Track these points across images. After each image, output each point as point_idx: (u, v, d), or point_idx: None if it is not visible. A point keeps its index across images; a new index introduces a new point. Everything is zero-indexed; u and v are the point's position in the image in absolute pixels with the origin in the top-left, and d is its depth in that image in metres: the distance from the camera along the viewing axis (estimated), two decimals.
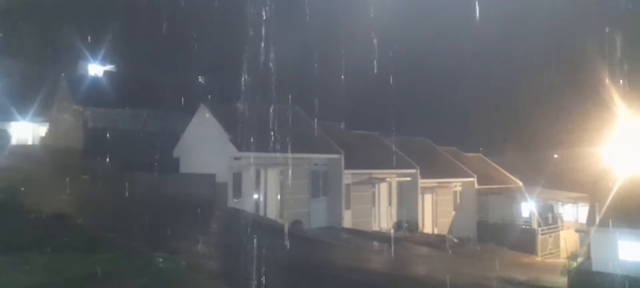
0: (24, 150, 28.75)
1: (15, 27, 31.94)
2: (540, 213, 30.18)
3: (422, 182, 28.83)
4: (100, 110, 28.75)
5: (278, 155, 22.38)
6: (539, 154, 39.48)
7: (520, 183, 33.80)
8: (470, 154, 37.18)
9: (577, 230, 29.22)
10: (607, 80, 21.65)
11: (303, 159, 23.84)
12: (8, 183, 17.42)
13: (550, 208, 31.82)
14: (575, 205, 31.38)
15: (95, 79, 33.71)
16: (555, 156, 38.98)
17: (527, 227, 29.63)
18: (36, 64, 33.24)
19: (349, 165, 25.24)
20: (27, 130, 34.10)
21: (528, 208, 30.65)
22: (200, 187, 21.67)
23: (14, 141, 31.47)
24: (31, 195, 16.19)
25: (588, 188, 26.80)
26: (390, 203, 27.84)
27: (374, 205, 26.99)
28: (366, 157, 27.24)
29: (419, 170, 28.51)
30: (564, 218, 31.45)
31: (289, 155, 22.90)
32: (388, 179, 27.29)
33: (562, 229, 29.94)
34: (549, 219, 30.73)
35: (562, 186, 32.29)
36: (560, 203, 32.12)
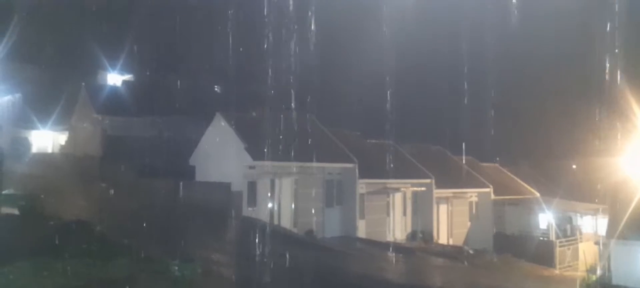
0: (44, 158, 29.34)
1: (36, 37, 32.73)
2: (558, 225, 29.66)
3: (437, 192, 28.60)
4: (119, 118, 29.25)
5: (292, 164, 22.47)
6: (556, 164, 38.90)
7: (538, 194, 33.27)
8: (487, 164, 36.76)
9: (596, 243, 28.61)
10: (627, 89, 21.30)
11: (317, 168, 23.87)
12: (29, 191, 17.81)
13: (569, 220, 31.26)
14: (595, 216, 30.77)
15: (114, 88, 34.33)
16: (574, 166, 38.35)
17: (545, 238, 29.13)
18: (57, 73, 33.97)
19: (363, 175, 25.19)
20: (47, 139, 34.78)
21: (546, 219, 30.15)
22: (216, 195, 21.84)
23: (34, 149, 32.17)
24: (51, 202, 16.51)
25: (607, 199, 26.30)
26: (404, 213, 27.67)
27: (388, 215, 26.85)
28: (381, 166, 27.14)
29: (434, 180, 28.29)
30: (583, 230, 30.84)
31: (303, 164, 22.97)
32: (403, 189, 27.15)
33: (581, 241, 29.35)
34: (568, 231, 30.18)
35: (581, 197, 31.71)
36: (578, 214, 31.54)
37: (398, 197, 27.26)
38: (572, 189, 32.33)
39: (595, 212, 30.45)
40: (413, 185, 27.50)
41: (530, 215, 31.03)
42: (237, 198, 22.01)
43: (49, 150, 34.15)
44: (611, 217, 19.11)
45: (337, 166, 24.99)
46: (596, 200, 29.73)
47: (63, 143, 33.95)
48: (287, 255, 15.54)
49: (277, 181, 22.80)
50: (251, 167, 22.15)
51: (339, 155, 25.45)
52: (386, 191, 26.55)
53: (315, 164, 23.49)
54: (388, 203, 26.83)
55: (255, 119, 25.19)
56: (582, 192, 31.65)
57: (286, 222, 22.93)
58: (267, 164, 21.91)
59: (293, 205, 23.40)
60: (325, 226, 24.16)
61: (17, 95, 32.48)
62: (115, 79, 37.13)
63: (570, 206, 31.09)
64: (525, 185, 35.02)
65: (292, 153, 21.59)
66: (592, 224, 31.17)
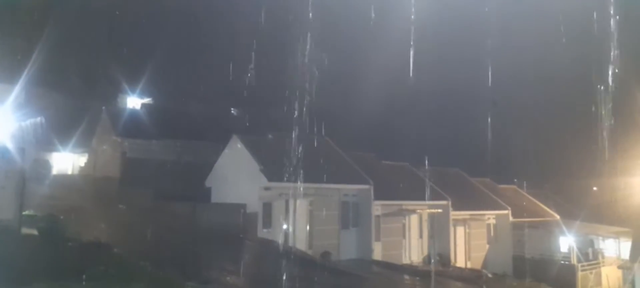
0: (64, 180, 29.89)
1: (58, 62, 33.66)
2: (579, 249, 28.98)
3: (454, 214, 28.26)
4: (138, 141, 29.71)
5: (308, 185, 22.48)
6: (576, 185, 38.14)
7: (558, 217, 32.63)
8: (504, 186, 36.28)
9: (619, 267, 27.85)
10: None
11: (332, 190, 23.84)
12: (48, 212, 18.12)
13: (591, 243, 30.52)
14: (617, 239, 30.00)
15: (134, 111, 34.97)
16: (595, 188, 37.56)
17: (566, 262, 28.44)
18: (78, 97, 34.82)
19: (378, 196, 25.06)
20: (67, 161, 35.47)
21: (567, 242, 29.49)
22: (231, 216, 21.93)
23: (55, 171, 32.81)
24: (70, 224, 16.75)
25: (630, 222, 25.62)
26: (421, 236, 27.35)
27: (404, 237, 26.57)
28: (396, 188, 27.00)
29: (450, 202, 27.99)
30: (605, 254, 30.07)
31: (319, 185, 22.97)
32: (419, 211, 26.90)
33: (604, 265, 28.60)
34: (589, 255, 29.45)
35: (603, 220, 31.00)
36: (600, 237, 30.79)
37: (414, 219, 27.00)
38: (593, 211, 31.62)
39: (617, 235, 29.71)
40: (429, 207, 27.24)
41: (551, 238, 30.39)
42: (252, 220, 22.06)
43: (69, 172, 34.80)
44: (635, 240, 18.61)
45: (353, 188, 24.93)
46: (619, 223, 29.03)
47: (83, 165, 34.58)
48: (303, 278, 15.44)
49: (292, 202, 22.81)
50: (266, 189, 22.23)
51: (354, 176, 25.40)
52: (402, 213, 26.34)
53: (330, 186, 23.47)
54: (404, 225, 26.58)
55: (271, 141, 25.37)
56: (603, 214, 30.95)
57: (301, 244, 22.85)
58: (283, 186, 21.97)
59: (308, 227, 23.34)
60: (341, 248, 24.00)
61: (40, 119, 33.29)
62: (134, 102, 37.88)
63: (592, 229, 30.38)
64: (545, 208, 34.41)
65: (308, 175, 21.63)
66: (615, 248, 30.39)
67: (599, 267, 28.37)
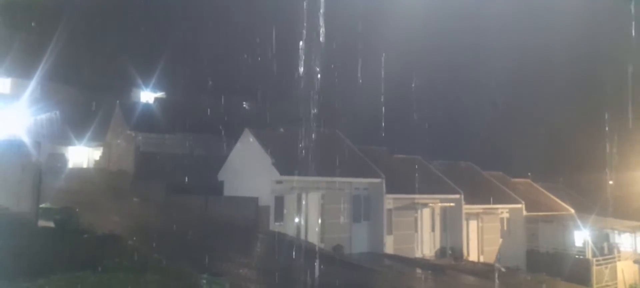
0: (79, 173, 30.31)
1: (73, 57, 34.06)
2: (594, 243, 28.62)
3: (467, 208, 28.08)
4: (151, 135, 30.01)
5: (319, 179, 22.50)
6: (591, 179, 37.61)
7: (572, 211, 32.25)
8: (518, 179, 35.94)
9: (635, 262, 27.48)
10: None
11: (344, 183, 23.84)
12: (64, 205, 18.40)
13: (606, 238, 30.12)
14: (634, 234, 29.57)
15: (147, 106, 35.31)
16: (610, 182, 37.02)
17: (581, 257, 28.12)
18: (93, 91, 35.25)
19: (390, 190, 25.00)
20: (82, 154, 35.97)
21: (581, 236, 29.14)
22: (244, 210, 22.07)
23: (70, 164, 33.29)
24: (85, 216, 16.99)
25: None
26: (433, 229, 27.25)
27: (416, 231, 26.49)
28: (408, 181, 26.89)
29: (463, 196, 27.81)
30: (621, 249, 29.66)
31: (330, 179, 22.98)
32: (431, 204, 26.79)
33: (619, 260, 28.22)
34: (605, 249, 29.06)
35: (618, 213, 30.56)
36: (616, 231, 30.37)
37: (426, 212, 26.90)
38: (608, 205, 31.20)
39: (634, 230, 29.28)
40: (441, 200, 27.11)
41: (565, 232, 30.05)
42: (264, 213, 22.18)
43: (84, 166, 35.29)
44: None
45: (364, 181, 24.90)
46: (635, 217, 28.60)
47: (97, 158, 35.03)
48: (315, 272, 15.50)
49: (304, 196, 22.87)
50: (278, 182, 22.31)
51: (365, 170, 25.36)
52: (414, 206, 26.26)
53: (342, 179, 23.46)
54: (416, 219, 26.50)
55: (283, 135, 25.43)
56: (619, 208, 30.53)
57: (313, 237, 22.92)
58: (295, 179, 22.02)
59: (320, 221, 23.39)
60: (353, 242, 24.02)
61: (55, 113, 33.79)
62: (148, 96, 38.21)
63: (607, 223, 29.98)
64: (559, 201, 34.02)
65: (319, 169, 21.64)
66: (631, 242, 29.96)
67: (615, 262, 28.01)
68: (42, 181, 16.83)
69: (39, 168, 16.86)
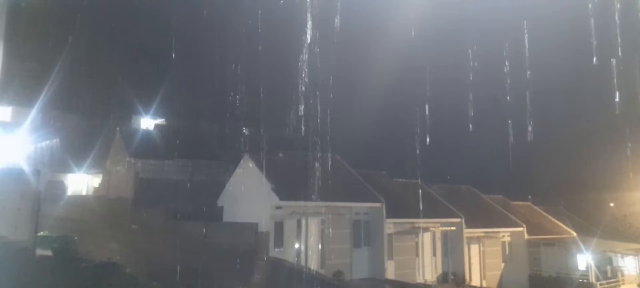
0: (78, 201, 30.24)
1: (73, 85, 34.32)
2: (597, 266, 28.35)
3: (468, 232, 27.90)
4: (151, 161, 30.01)
5: (319, 204, 22.41)
6: (592, 201, 37.47)
7: (574, 234, 32.03)
8: (519, 202, 35.80)
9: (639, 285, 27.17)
10: None
11: (344, 208, 23.75)
12: (62, 233, 18.31)
13: (609, 261, 29.87)
14: (637, 257, 29.33)
15: (147, 132, 35.41)
16: (611, 204, 36.87)
17: (585, 280, 27.82)
18: (93, 119, 35.41)
19: (390, 214, 24.88)
20: (81, 182, 35.93)
21: (584, 260, 28.89)
22: (243, 236, 21.92)
23: (69, 192, 33.23)
24: (83, 244, 16.89)
25: None
26: (434, 254, 27.02)
27: (417, 255, 26.27)
28: (409, 205, 26.79)
29: (464, 220, 27.67)
30: (625, 272, 29.37)
31: (330, 204, 22.89)
32: (432, 228, 26.63)
33: (624, 283, 27.93)
34: (608, 272, 28.80)
35: (621, 236, 30.37)
36: (619, 254, 30.12)
37: (427, 237, 26.72)
38: (610, 228, 31.03)
39: (637, 252, 29.05)
40: (442, 224, 26.96)
41: (568, 256, 29.80)
42: (264, 239, 22.02)
43: (83, 193, 35.21)
44: None
45: (364, 206, 24.80)
46: (638, 240, 28.40)
47: (97, 185, 34.96)
48: None
49: (304, 221, 22.75)
50: (278, 207, 22.22)
51: (365, 195, 25.29)
52: (414, 231, 26.09)
53: (342, 204, 23.38)
54: (417, 243, 26.30)
55: (283, 160, 25.44)
56: (621, 230, 30.36)
57: (313, 263, 22.70)
58: (294, 204, 21.94)
59: (320, 246, 23.22)
60: (353, 267, 23.79)
61: (56, 140, 33.89)
62: (147, 123, 38.35)
63: (610, 246, 29.75)
64: (561, 224, 33.82)
65: (319, 194, 21.58)
66: (635, 265, 29.69)
67: (619, 285, 27.73)
68: (41, 209, 16.78)
69: (37, 196, 16.84)
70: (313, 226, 23.16)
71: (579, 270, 29.09)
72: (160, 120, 38.96)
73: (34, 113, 32.27)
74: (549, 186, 41.26)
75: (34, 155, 30.37)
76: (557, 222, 34.06)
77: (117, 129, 33.96)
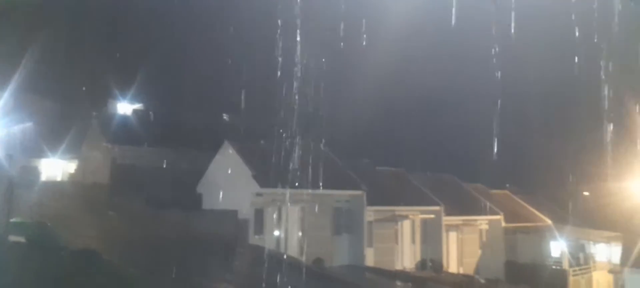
0: (53, 187, 29.41)
1: (48, 68, 33.37)
2: (571, 253, 29.12)
3: (447, 220, 28.27)
4: (128, 147, 29.42)
5: (300, 191, 22.35)
6: (568, 190, 38.30)
7: (550, 222, 32.78)
8: (497, 191, 36.40)
9: (610, 271, 28.02)
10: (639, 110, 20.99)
11: (325, 196, 23.75)
12: (37, 219, 17.86)
13: (582, 248, 30.69)
14: (608, 244, 30.20)
15: (124, 117, 34.68)
16: (586, 193, 37.77)
17: (558, 267, 28.56)
18: (68, 103, 34.52)
19: (371, 202, 25.02)
20: (56, 167, 35.03)
21: (558, 247, 29.62)
22: (223, 223, 21.76)
23: (43, 177, 32.39)
24: (59, 231, 16.52)
25: (621, 226, 25.77)
26: (413, 242, 27.32)
27: (397, 243, 26.53)
28: (389, 193, 26.98)
29: (443, 208, 28.01)
30: (597, 259, 30.25)
31: (311, 191, 22.86)
32: (411, 216, 26.88)
33: (595, 270, 28.78)
34: (581, 259, 29.61)
35: (594, 224, 31.16)
36: (592, 242, 30.98)
37: (407, 224, 26.97)
38: (584, 216, 31.80)
39: (608, 240, 29.90)
40: (422, 212, 27.24)
41: (543, 243, 30.51)
42: (243, 227, 21.92)
43: (58, 179, 34.37)
44: (625, 245, 18.73)
45: (345, 193, 24.86)
46: (610, 228, 29.21)
47: (72, 171, 34.17)
48: (294, 286, 15.32)
49: (284, 209, 22.71)
50: (258, 195, 22.11)
51: (347, 182, 25.34)
52: (394, 219, 26.31)
53: (323, 192, 23.35)
54: (396, 231, 26.54)
55: (263, 147, 25.25)
56: (594, 219, 31.12)
57: (293, 251, 22.72)
58: (275, 192, 21.86)
59: (300, 233, 23.23)
60: (333, 255, 23.89)
61: (28, 125, 32.92)
62: (125, 108, 37.54)
63: (583, 234, 30.57)
64: (537, 213, 34.56)
65: (300, 181, 21.51)
66: (606, 252, 30.58)
67: (590, 272, 28.56)
68: (14, 194, 16.32)
69: (10, 181, 16.38)
70: (294, 213, 23.14)
71: (553, 257, 29.84)
72: (138, 105, 38.20)
73: (5, 97, 31.24)
74: (527, 176, 42.04)
75: (6, 140, 29.47)
76: (533, 210, 34.80)
77: (93, 113, 33.17)
